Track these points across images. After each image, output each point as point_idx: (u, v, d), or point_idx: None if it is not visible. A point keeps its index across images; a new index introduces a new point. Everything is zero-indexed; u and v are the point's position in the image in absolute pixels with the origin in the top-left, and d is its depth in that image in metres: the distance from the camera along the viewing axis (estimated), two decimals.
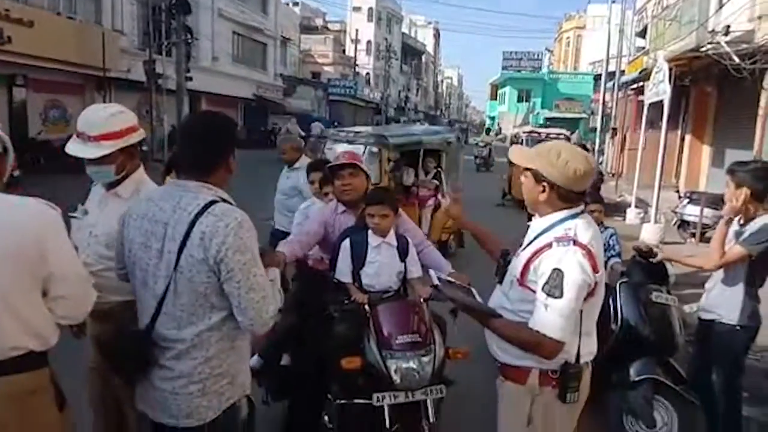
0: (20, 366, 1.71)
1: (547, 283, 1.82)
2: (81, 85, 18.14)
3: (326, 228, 3.09)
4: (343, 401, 2.57)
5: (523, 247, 2.03)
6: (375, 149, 6.64)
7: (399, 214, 3.01)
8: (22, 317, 1.70)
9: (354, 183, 3.07)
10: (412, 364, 2.39)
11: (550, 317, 1.82)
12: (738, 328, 3.00)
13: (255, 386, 3.20)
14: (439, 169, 7.61)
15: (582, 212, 1.97)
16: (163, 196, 1.85)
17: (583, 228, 1.89)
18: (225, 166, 1.86)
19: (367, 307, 2.64)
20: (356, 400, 2.51)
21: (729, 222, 3.01)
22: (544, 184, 1.92)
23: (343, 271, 2.85)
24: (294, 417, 3.04)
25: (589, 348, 2.02)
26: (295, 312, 3.07)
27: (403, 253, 2.91)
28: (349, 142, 6.98)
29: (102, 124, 2.23)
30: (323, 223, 3.11)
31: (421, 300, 2.68)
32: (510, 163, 2.23)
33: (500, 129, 44.40)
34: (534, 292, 1.88)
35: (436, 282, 2.18)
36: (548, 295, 1.82)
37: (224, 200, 1.81)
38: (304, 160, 5.01)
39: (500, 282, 2.12)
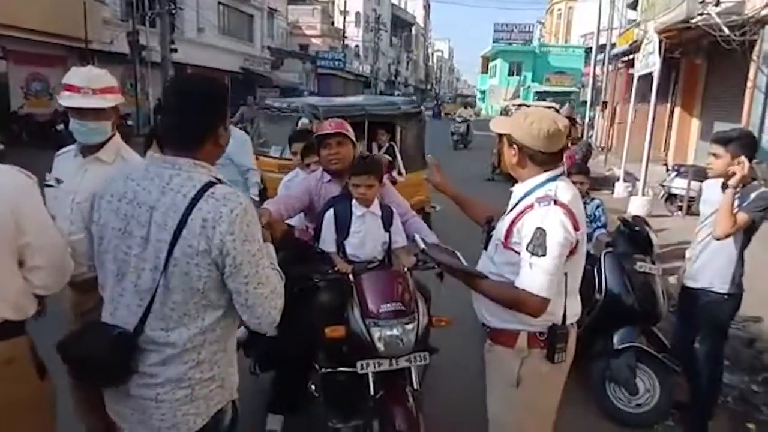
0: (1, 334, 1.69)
1: (531, 242, 1.88)
2: (63, 57, 17.71)
3: (311, 197, 3.05)
4: (328, 370, 2.60)
5: (507, 212, 2.08)
6: (306, 120, 6.22)
7: (383, 184, 3.00)
8: (4, 285, 1.68)
9: (342, 152, 3.02)
10: (396, 332, 2.40)
11: (535, 275, 1.87)
12: (726, 296, 3.02)
13: (242, 357, 3.23)
14: (392, 143, 6.85)
15: (562, 174, 2.03)
16: (146, 174, 1.57)
17: (563, 189, 1.96)
18: (214, 139, 1.61)
19: (351, 276, 2.63)
20: (341, 369, 2.53)
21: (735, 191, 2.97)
22: (515, 146, 2.02)
23: (327, 241, 2.83)
24: (281, 387, 3.05)
25: (575, 309, 2.08)
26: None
27: (387, 223, 2.90)
28: (281, 112, 6.75)
29: (102, 79, 2.31)
30: (308, 190, 3.07)
31: (405, 269, 2.68)
32: (499, 137, 2.21)
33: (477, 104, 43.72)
34: (518, 253, 1.93)
35: (422, 246, 2.18)
36: (532, 254, 1.87)
37: (220, 181, 1.59)
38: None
39: (485, 248, 2.16)
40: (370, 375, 2.42)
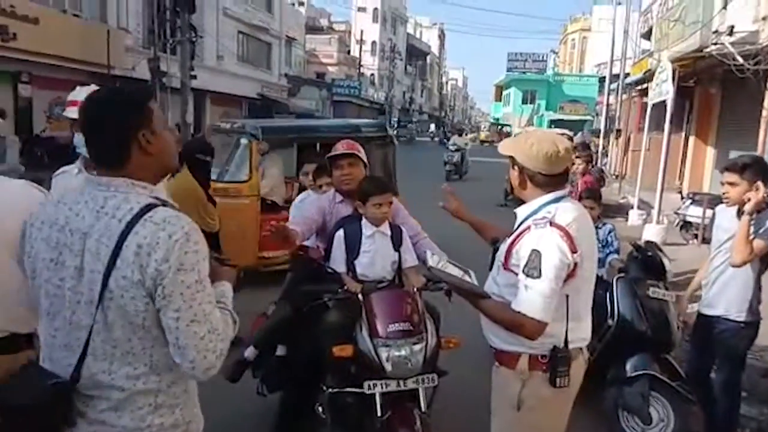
0: (3, 348, 1.71)
1: (527, 264, 1.88)
2: (86, 83, 18.16)
3: (324, 217, 3.08)
4: (335, 390, 2.58)
5: (511, 233, 2.09)
6: (245, 140, 5.99)
7: (393, 203, 3.03)
8: (8, 299, 1.69)
9: (353, 173, 3.06)
10: (404, 352, 2.38)
11: (530, 297, 1.86)
12: (743, 324, 2.97)
13: (249, 377, 3.21)
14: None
15: (566, 196, 2.03)
16: (79, 197, 1.41)
17: (563, 210, 1.95)
18: (138, 148, 1.42)
19: (360, 296, 2.63)
20: (348, 389, 2.51)
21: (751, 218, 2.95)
22: (517, 168, 2.04)
23: (337, 261, 2.85)
24: (288, 408, 3.04)
25: (579, 333, 2.04)
26: (290, 302, 3.08)
27: (397, 243, 2.91)
28: (227, 133, 6.61)
29: (89, 90, 2.25)
30: (321, 211, 3.10)
31: (415, 290, 2.68)
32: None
33: (478, 129, 43.27)
34: (517, 275, 1.93)
35: (430, 263, 2.16)
36: (527, 275, 1.87)
37: (164, 203, 1.42)
38: None
39: (490, 268, 2.17)
40: (378, 396, 2.40)
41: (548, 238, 1.87)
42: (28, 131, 15.63)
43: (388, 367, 2.38)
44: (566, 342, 1.98)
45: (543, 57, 54.21)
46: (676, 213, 9.86)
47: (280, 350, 3.13)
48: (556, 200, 1.99)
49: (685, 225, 9.52)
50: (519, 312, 1.88)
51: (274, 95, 31.90)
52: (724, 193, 3.00)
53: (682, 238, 9.42)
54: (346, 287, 2.68)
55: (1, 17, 13.73)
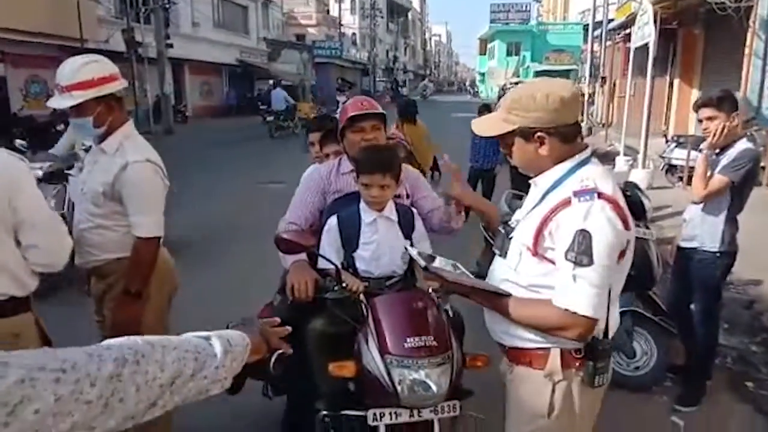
0: (3, 311, 1.77)
1: (570, 248, 1.49)
2: (60, 58, 17.59)
3: (324, 195, 2.45)
4: (329, 414, 2.03)
5: (527, 210, 1.68)
6: None
7: (401, 181, 2.37)
8: (3, 262, 1.75)
9: (378, 138, 2.40)
10: (423, 376, 1.83)
11: (580, 290, 1.48)
12: (718, 254, 3.07)
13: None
14: None
15: (591, 156, 1.64)
16: None
17: (601, 176, 1.56)
18: None
19: (363, 297, 2.08)
20: (345, 413, 1.99)
21: (709, 154, 3.03)
22: (539, 135, 1.58)
23: (329, 257, 2.15)
24: (290, 417, 2.69)
25: (615, 316, 1.69)
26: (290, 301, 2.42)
27: (408, 229, 2.32)
28: None
29: (72, 74, 2.18)
30: (319, 189, 2.45)
31: (430, 290, 2.03)
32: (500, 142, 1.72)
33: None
34: (552, 262, 1.55)
35: (422, 263, 1.74)
36: (575, 263, 1.48)
37: None
38: None
39: (502, 254, 1.73)
40: (382, 428, 1.90)
41: (598, 214, 1.48)
42: (4, 110, 15.30)
43: (403, 393, 1.83)
44: (606, 331, 1.59)
45: (526, 7, 53.11)
46: (661, 157, 9.92)
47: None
48: (584, 162, 1.61)
49: (671, 168, 9.60)
50: (566, 309, 1.50)
51: (253, 61, 31.30)
52: (704, 129, 3.05)
53: (667, 182, 9.51)
54: (344, 284, 2.08)
55: None
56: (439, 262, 1.78)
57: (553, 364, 1.61)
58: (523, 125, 1.59)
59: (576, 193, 1.51)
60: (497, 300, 1.66)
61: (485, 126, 1.74)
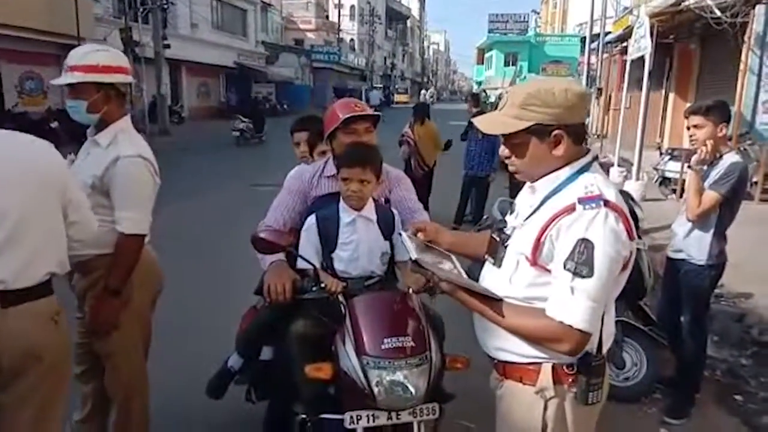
0: (50, 289, 1.86)
1: (570, 257, 1.40)
2: (56, 56, 17.60)
3: (305, 199, 2.42)
4: (308, 418, 2.02)
5: (524, 216, 1.56)
6: None
7: (382, 180, 2.35)
8: (57, 241, 1.87)
9: (371, 141, 2.37)
10: (401, 377, 1.80)
11: (576, 303, 1.40)
12: (706, 266, 3.07)
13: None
14: None
15: (594, 161, 1.54)
16: None
17: (604, 183, 1.47)
18: None
19: (341, 297, 2.05)
20: (324, 416, 1.97)
21: (699, 170, 3.03)
22: (557, 132, 1.47)
23: (308, 257, 2.14)
24: (272, 420, 2.61)
25: (610, 328, 1.58)
26: (267, 302, 2.40)
27: (387, 229, 2.29)
28: None
29: (81, 57, 2.22)
30: (301, 192, 2.42)
31: (411, 291, 1.99)
32: (505, 142, 1.59)
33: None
34: (549, 272, 1.47)
35: (414, 255, 1.63)
36: (574, 273, 1.40)
37: None
38: None
39: (496, 263, 1.62)
40: (360, 430, 1.87)
41: (602, 224, 1.39)
42: None
43: (380, 395, 1.80)
44: (600, 345, 1.51)
45: (524, 18, 53.58)
46: (655, 169, 9.97)
47: (266, 353, 2.63)
48: (586, 167, 1.51)
49: (664, 181, 9.65)
50: (560, 322, 1.42)
51: (251, 63, 31.34)
52: (691, 137, 3.06)
53: (661, 194, 9.56)
54: (323, 284, 2.05)
55: None
56: (430, 256, 1.69)
57: (544, 380, 1.53)
58: (541, 121, 1.46)
59: (581, 200, 1.42)
60: (487, 304, 1.54)
61: (494, 124, 1.59)
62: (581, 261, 1.39)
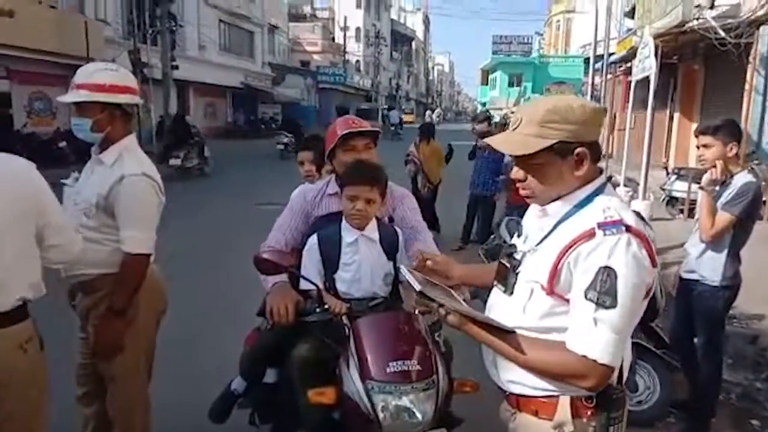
0: (22, 315, 1.81)
1: (592, 287, 1.32)
2: (65, 77, 17.85)
3: (308, 219, 2.38)
4: None
5: (535, 241, 1.48)
6: None
7: (386, 200, 2.30)
8: (29, 265, 1.82)
9: (371, 158, 2.32)
10: (407, 402, 1.74)
11: (600, 335, 1.32)
12: (720, 287, 3.01)
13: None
14: None
15: (608, 182, 1.48)
16: None
17: (621, 206, 1.39)
18: None
19: (345, 319, 1.99)
20: None
21: (711, 191, 2.99)
22: (580, 150, 1.40)
23: (311, 277, 2.08)
24: None
25: (628, 359, 1.51)
26: (269, 325, 2.38)
27: (391, 250, 2.23)
28: None
29: (89, 75, 2.20)
30: (303, 212, 2.37)
31: (416, 312, 1.87)
32: (520, 163, 1.53)
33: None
34: (568, 301, 1.39)
35: (418, 287, 1.53)
36: (597, 304, 1.32)
37: None
38: None
39: (507, 291, 1.53)
40: None
41: (625, 251, 1.31)
42: (7, 127, 15.34)
43: (385, 420, 1.74)
44: (620, 376, 1.45)
45: (528, 39, 53.98)
46: (662, 189, 9.93)
47: (270, 376, 2.56)
48: (600, 190, 1.44)
49: (671, 200, 9.60)
50: (583, 356, 1.33)
51: (257, 84, 31.66)
52: (700, 156, 3.03)
53: (668, 214, 9.50)
54: (327, 306, 2.00)
55: None
56: (435, 291, 1.59)
57: (562, 414, 1.43)
58: (564, 139, 1.39)
59: (601, 225, 1.34)
60: (500, 338, 1.44)
61: (513, 144, 1.46)
62: (604, 290, 1.31)
